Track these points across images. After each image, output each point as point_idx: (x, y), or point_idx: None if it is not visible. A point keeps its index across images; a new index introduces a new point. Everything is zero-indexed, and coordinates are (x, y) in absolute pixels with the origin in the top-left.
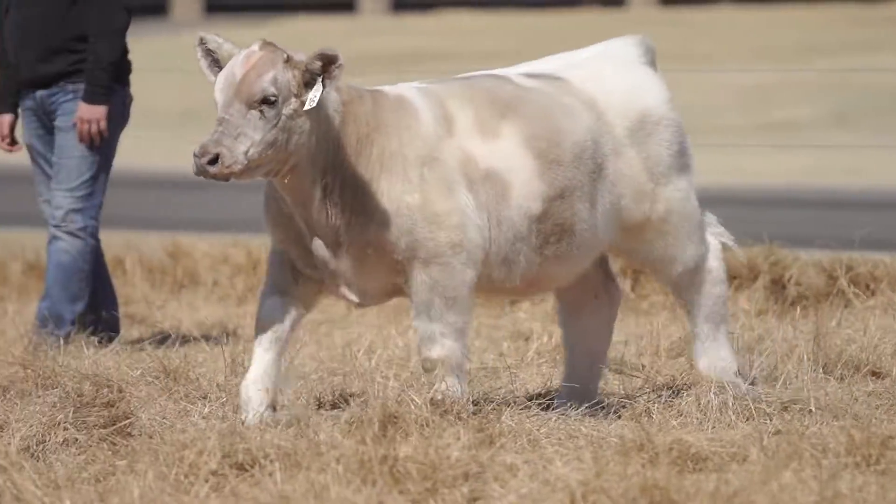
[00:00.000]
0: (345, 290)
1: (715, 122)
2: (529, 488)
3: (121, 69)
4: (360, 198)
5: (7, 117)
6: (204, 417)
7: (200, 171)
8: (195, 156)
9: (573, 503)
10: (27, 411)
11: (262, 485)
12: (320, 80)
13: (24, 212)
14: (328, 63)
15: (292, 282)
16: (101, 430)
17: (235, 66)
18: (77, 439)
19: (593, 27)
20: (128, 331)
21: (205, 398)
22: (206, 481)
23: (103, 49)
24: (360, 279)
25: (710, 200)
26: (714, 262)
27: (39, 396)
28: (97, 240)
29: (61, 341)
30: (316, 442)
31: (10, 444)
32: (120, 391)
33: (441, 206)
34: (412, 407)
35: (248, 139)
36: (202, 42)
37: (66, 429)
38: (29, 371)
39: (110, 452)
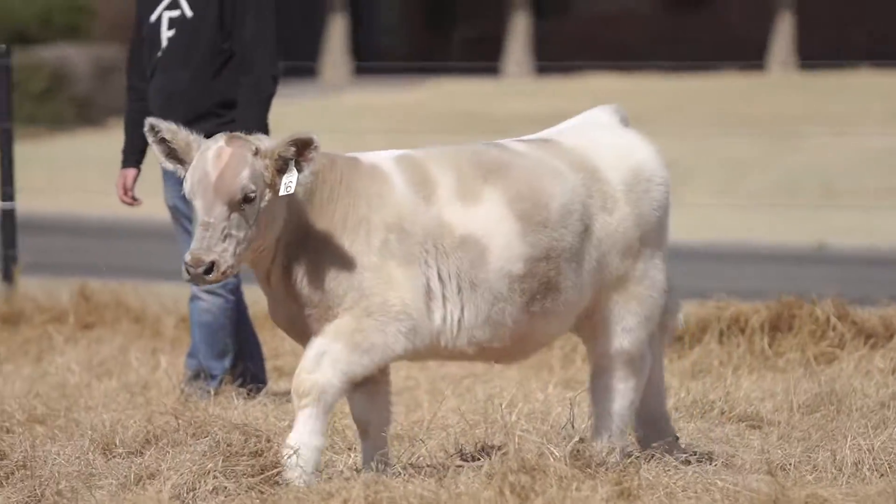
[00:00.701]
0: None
1: (849, 184)
2: None
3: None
4: (317, 257)
5: (131, 172)
6: (349, 468)
7: (196, 280)
8: (188, 265)
9: None
10: (178, 460)
11: None
12: (293, 164)
13: (176, 267)
14: (303, 147)
15: None
16: (250, 478)
17: (208, 166)
18: (226, 487)
19: (733, 91)
20: (276, 382)
21: (350, 449)
22: None
23: (252, 117)
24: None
25: (843, 259)
26: (646, 361)
27: (190, 445)
28: (237, 295)
29: (212, 393)
30: (457, 493)
31: (161, 491)
32: (268, 441)
33: (397, 273)
34: (551, 460)
35: (233, 240)
36: (154, 130)
37: (215, 477)
38: (180, 421)
39: (258, 501)
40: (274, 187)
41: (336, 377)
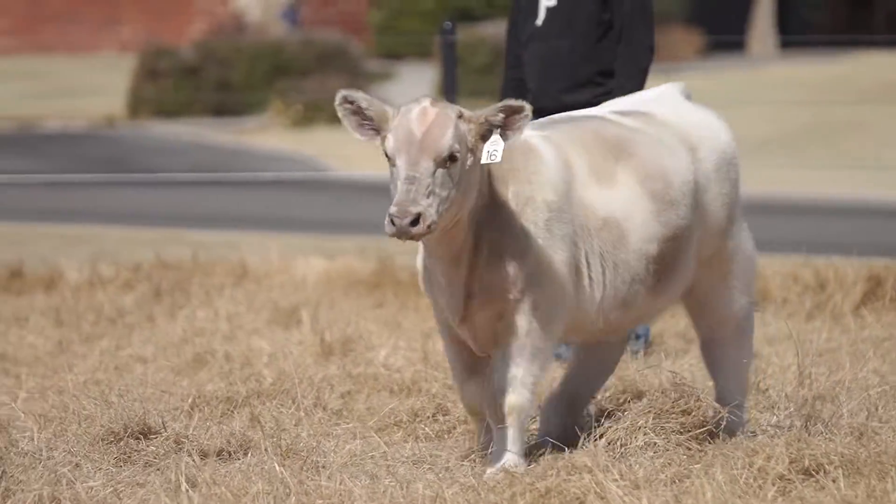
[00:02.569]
0: (470, 343)
1: None
2: None
3: None
4: (500, 237)
5: None
6: (771, 426)
7: (401, 233)
8: (395, 217)
9: None
10: (613, 418)
11: (826, 490)
12: (499, 132)
13: None
14: (513, 113)
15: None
16: (678, 435)
17: (412, 124)
18: (656, 443)
19: None
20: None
21: (773, 408)
22: (773, 485)
23: (630, 87)
24: (479, 329)
25: None
26: (752, 321)
27: (625, 403)
28: None
29: (641, 353)
30: (876, 451)
31: (596, 446)
32: (698, 400)
33: (557, 258)
34: None
35: (437, 198)
36: (348, 100)
37: (646, 434)
38: (613, 380)
39: (686, 457)
40: (475, 153)
41: (529, 394)
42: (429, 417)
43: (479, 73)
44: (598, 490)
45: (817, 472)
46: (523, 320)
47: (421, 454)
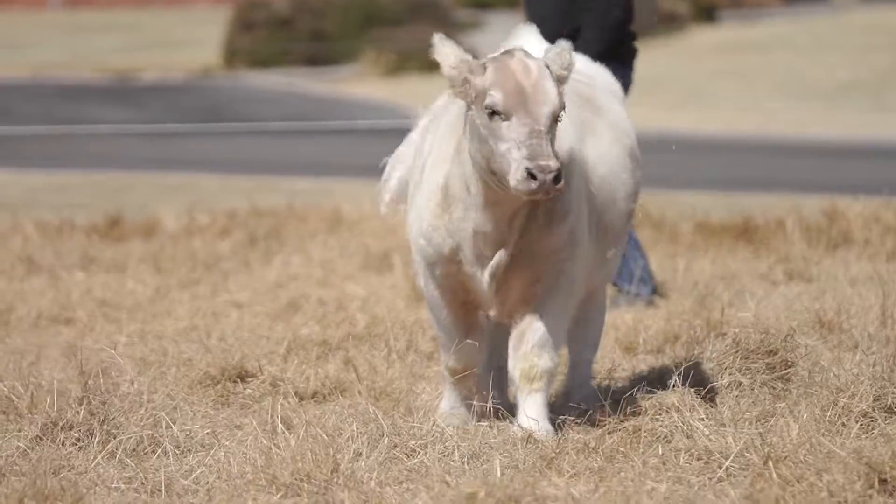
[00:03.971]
0: (493, 309)
1: None
2: None
3: (620, 55)
4: (550, 203)
5: None
6: (855, 365)
7: (543, 189)
8: (536, 172)
9: None
10: (698, 358)
11: None
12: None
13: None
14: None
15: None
16: (764, 375)
17: (519, 76)
18: (741, 383)
19: None
20: (787, 286)
21: (856, 347)
22: (857, 422)
23: (592, 38)
24: (511, 293)
25: None
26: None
27: (709, 344)
28: None
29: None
30: None
31: (684, 386)
32: (784, 340)
33: (584, 216)
34: None
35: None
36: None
37: (731, 374)
38: (698, 322)
39: (771, 396)
40: None
41: (556, 359)
42: None
43: None
44: (686, 429)
45: None
46: (564, 283)
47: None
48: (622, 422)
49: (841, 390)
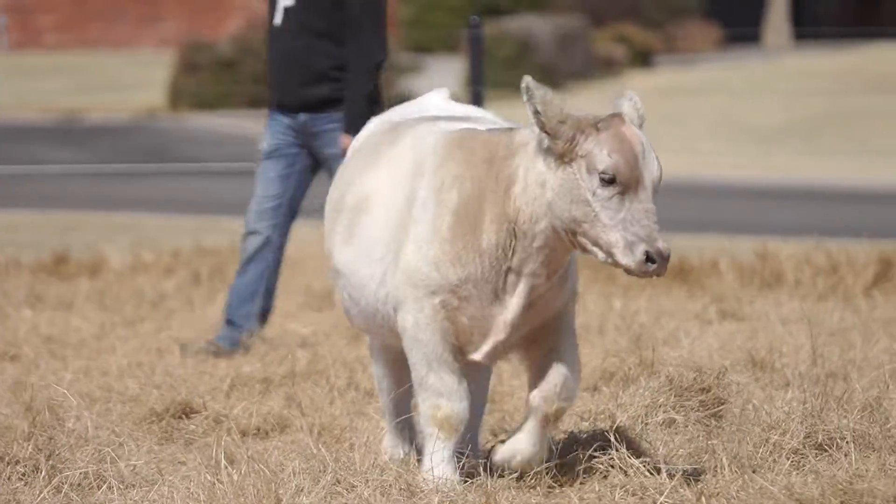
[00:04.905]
0: (486, 351)
1: None
2: None
3: (377, 100)
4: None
5: None
6: (786, 403)
7: (658, 271)
8: (660, 258)
9: None
10: (633, 395)
11: (839, 464)
12: None
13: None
14: None
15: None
16: (697, 412)
17: (637, 148)
18: (675, 420)
19: None
20: (720, 325)
21: (787, 385)
22: (788, 459)
23: (361, 84)
24: (512, 340)
25: None
26: None
27: (645, 381)
28: None
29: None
30: (887, 427)
31: (615, 424)
32: (717, 378)
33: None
34: None
35: None
36: (529, 95)
37: (665, 411)
38: (633, 360)
39: (704, 433)
40: None
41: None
42: None
43: (504, 65)
44: (621, 465)
45: (830, 447)
46: (572, 322)
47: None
48: (559, 459)
49: (773, 427)
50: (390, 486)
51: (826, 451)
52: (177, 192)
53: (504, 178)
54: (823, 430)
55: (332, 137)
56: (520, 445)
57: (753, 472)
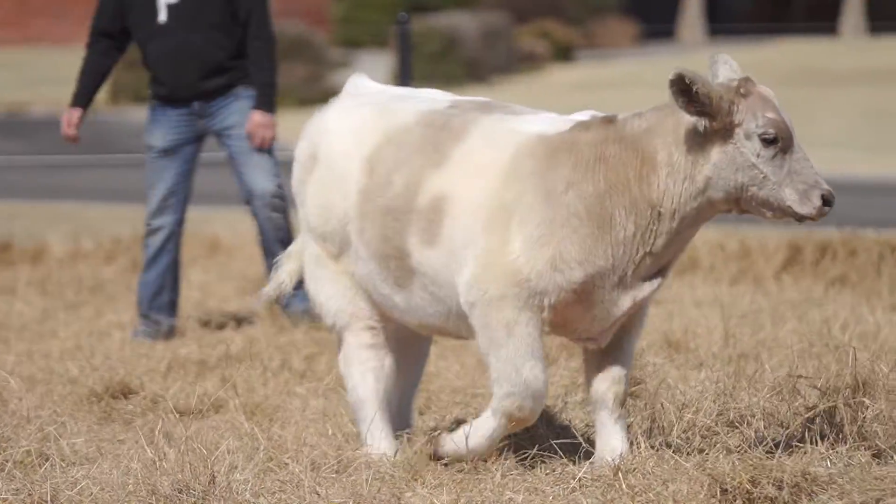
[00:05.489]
0: (603, 333)
1: None
2: None
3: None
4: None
5: (78, 111)
6: (699, 382)
7: (823, 215)
8: (830, 198)
9: None
10: (554, 376)
11: (748, 439)
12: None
13: None
14: None
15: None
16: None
17: (776, 102)
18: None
19: None
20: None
21: (701, 366)
22: (702, 436)
23: (268, 74)
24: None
25: None
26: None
27: (565, 362)
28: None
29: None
30: (796, 405)
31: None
32: (634, 358)
33: None
34: (880, 375)
35: None
36: (682, 80)
37: (585, 391)
38: (555, 342)
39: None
40: None
41: None
42: None
43: (431, 60)
44: (542, 442)
45: (741, 424)
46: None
47: None
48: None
49: (686, 406)
50: (320, 463)
51: (737, 427)
52: (117, 183)
53: (635, 170)
54: (735, 408)
55: (227, 111)
56: (623, 447)
57: (668, 448)
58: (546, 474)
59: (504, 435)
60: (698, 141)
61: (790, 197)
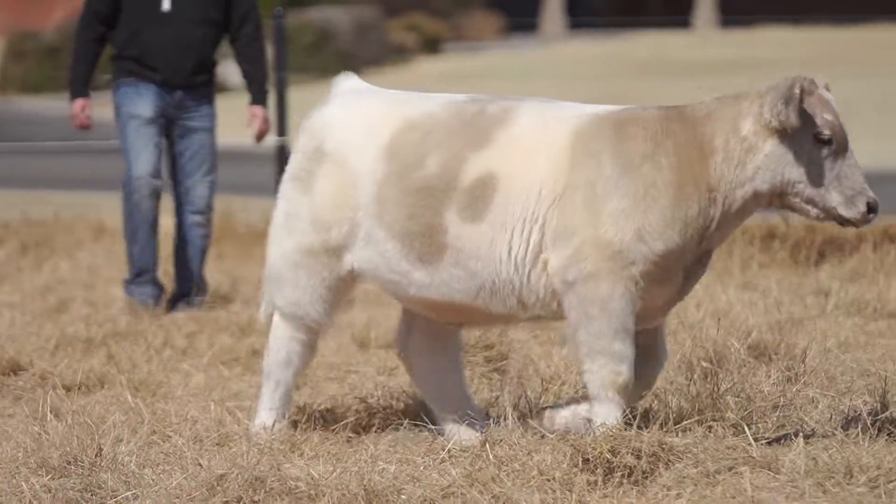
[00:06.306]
0: (660, 318)
1: None
2: (828, 417)
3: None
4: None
5: (88, 101)
6: (564, 358)
7: (867, 222)
8: (875, 207)
9: (865, 430)
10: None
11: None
12: None
13: None
14: None
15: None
16: (482, 367)
17: (836, 107)
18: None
19: (886, 43)
20: None
21: (564, 342)
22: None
23: (265, 70)
24: (674, 300)
25: None
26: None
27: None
28: None
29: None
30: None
31: (408, 378)
32: (499, 335)
33: None
34: (732, 350)
35: None
36: (802, 90)
37: None
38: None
39: (489, 386)
40: None
41: None
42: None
43: (306, 52)
44: (413, 415)
45: None
46: None
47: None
48: (358, 411)
49: (552, 379)
50: (202, 435)
51: None
52: (5, 169)
53: (696, 150)
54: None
55: (201, 112)
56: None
57: (534, 419)
58: (416, 445)
59: (622, 405)
60: (755, 130)
61: (836, 199)
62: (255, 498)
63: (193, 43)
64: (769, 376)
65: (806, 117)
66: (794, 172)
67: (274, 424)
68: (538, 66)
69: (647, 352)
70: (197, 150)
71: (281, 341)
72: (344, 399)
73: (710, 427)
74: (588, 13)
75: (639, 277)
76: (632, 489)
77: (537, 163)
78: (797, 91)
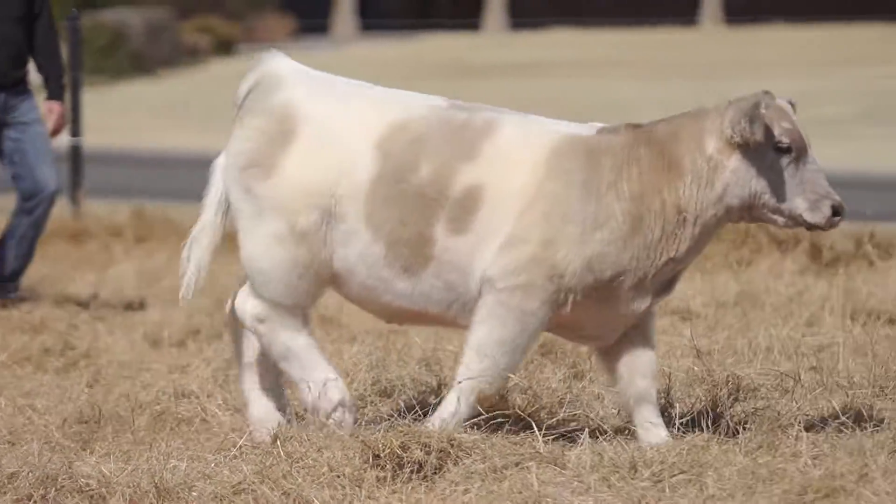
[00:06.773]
0: (612, 336)
1: None
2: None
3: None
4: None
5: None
6: (354, 355)
7: (833, 226)
8: (840, 209)
9: None
10: (217, 350)
11: (398, 408)
12: None
13: None
14: None
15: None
16: None
17: (793, 115)
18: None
19: (669, 44)
20: None
21: (354, 339)
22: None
23: (61, 67)
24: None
25: None
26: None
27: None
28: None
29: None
30: (441, 375)
31: (200, 376)
32: None
33: None
34: None
35: None
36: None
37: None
38: (217, 317)
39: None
40: None
41: None
42: (57, 352)
43: (100, 53)
44: (202, 413)
45: (392, 393)
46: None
47: (48, 385)
48: (150, 409)
49: (346, 374)
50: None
51: (390, 396)
52: None
53: (663, 174)
54: (386, 378)
55: (27, 106)
56: (662, 434)
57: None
58: (207, 440)
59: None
60: (718, 148)
61: (802, 206)
62: (46, 496)
63: (8, 40)
64: (556, 373)
65: (765, 129)
66: (759, 184)
67: (338, 380)
68: (330, 67)
69: (638, 363)
70: (32, 143)
71: (284, 329)
72: (136, 397)
73: (498, 423)
74: (379, 15)
75: (570, 302)
76: (421, 485)
77: (515, 176)
78: (762, 110)
